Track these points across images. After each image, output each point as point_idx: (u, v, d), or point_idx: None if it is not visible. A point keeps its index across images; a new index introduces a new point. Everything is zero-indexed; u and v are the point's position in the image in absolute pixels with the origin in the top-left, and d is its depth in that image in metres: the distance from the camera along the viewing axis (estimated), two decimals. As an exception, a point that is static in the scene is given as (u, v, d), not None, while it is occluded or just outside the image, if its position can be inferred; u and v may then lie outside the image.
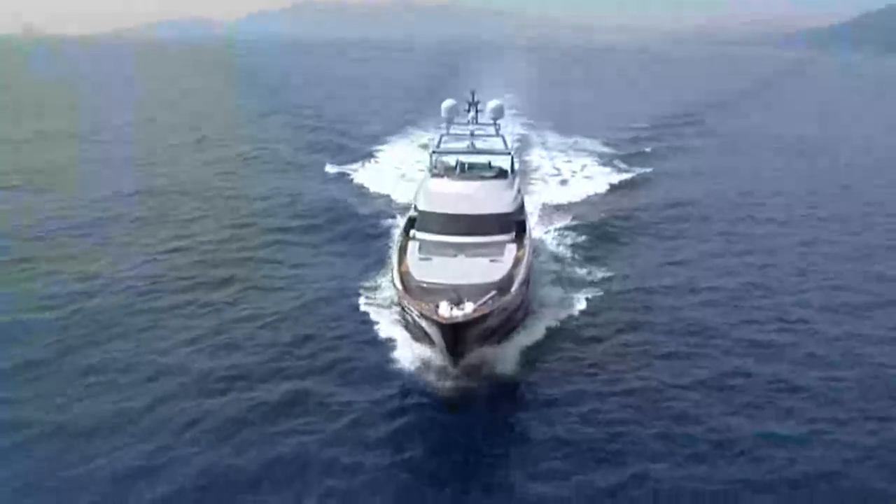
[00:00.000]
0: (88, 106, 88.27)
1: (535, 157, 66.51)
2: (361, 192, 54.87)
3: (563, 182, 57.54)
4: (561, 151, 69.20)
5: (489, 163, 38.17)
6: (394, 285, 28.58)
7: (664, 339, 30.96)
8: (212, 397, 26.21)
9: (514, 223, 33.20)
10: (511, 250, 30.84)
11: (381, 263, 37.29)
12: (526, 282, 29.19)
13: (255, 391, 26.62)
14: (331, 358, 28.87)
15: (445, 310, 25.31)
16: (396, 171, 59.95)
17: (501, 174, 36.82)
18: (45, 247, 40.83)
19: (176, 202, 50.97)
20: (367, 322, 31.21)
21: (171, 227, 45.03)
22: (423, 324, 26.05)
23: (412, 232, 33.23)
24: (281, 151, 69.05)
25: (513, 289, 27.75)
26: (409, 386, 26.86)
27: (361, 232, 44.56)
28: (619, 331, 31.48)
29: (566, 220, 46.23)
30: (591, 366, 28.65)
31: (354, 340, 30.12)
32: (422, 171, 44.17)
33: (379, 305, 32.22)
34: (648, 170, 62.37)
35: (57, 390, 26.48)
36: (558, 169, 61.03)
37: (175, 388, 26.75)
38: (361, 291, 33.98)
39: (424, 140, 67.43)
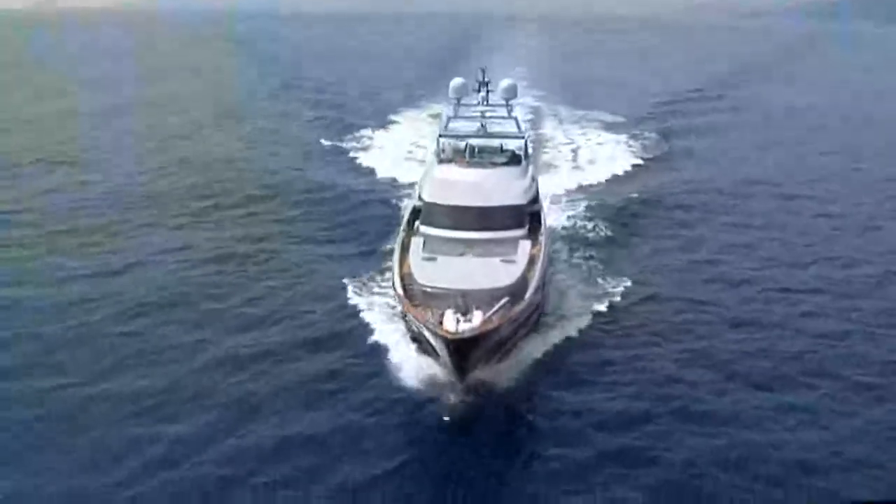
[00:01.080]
0: (89, 84, 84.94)
1: (549, 131, 63.24)
2: (364, 170, 52.15)
3: (579, 162, 54.23)
4: (575, 125, 65.71)
5: (501, 146, 35.14)
6: (394, 290, 25.73)
7: (691, 347, 28.07)
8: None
9: (527, 215, 30.27)
10: (525, 248, 27.92)
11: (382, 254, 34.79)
12: (541, 285, 26.30)
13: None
14: (323, 368, 26.29)
15: (451, 322, 22.54)
16: (404, 147, 57.07)
17: (514, 159, 33.78)
18: (61, 223, 40.61)
19: (185, 180, 48.88)
20: (365, 326, 28.49)
21: (182, 207, 43.60)
22: (427, 335, 23.27)
23: (416, 224, 30.41)
24: (287, 128, 65.68)
25: (527, 295, 24.90)
26: (411, 402, 24.20)
27: (365, 215, 41.99)
28: (643, 336, 28.76)
29: (583, 204, 43.39)
30: (610, 379, 25.91)
31: (351, 348, 27.45)
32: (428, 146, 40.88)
33: (379, 306, 29.49)
34: (668, 147, 58.85)
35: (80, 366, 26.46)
36: (573, 149, 57.67)
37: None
38: (360, 288, 31.32)
39: (436, 111, 64.15)
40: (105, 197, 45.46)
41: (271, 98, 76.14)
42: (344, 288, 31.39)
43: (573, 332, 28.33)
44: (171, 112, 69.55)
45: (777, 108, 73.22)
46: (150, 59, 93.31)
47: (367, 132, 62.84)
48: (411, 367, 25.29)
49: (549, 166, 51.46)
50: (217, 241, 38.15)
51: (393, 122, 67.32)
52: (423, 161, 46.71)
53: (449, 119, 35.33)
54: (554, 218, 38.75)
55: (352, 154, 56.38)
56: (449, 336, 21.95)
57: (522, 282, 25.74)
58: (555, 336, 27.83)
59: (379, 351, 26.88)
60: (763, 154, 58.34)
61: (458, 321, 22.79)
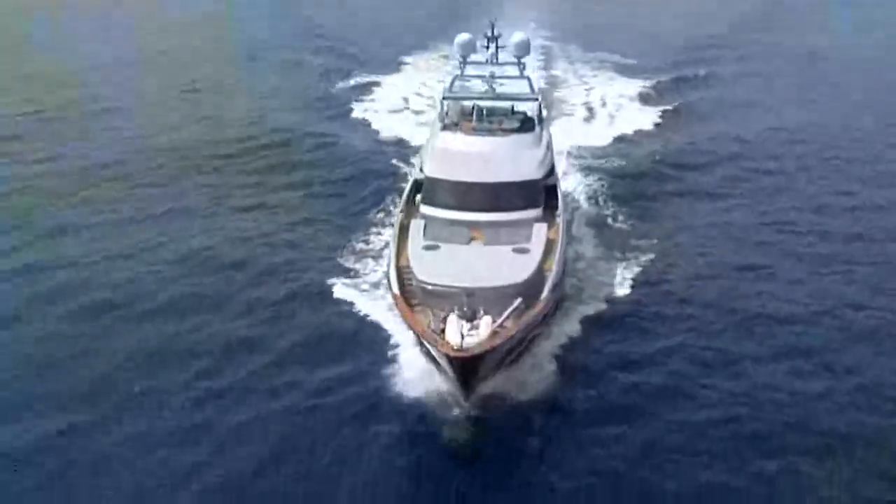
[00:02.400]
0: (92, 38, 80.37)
1: (560, 74, 59.27)
2: (368, 121, 48.73)
3: (593, 111, 50.31)
4: (588, 70, 61.31)
5: (512, 107, 31.56)
6: (390, 287, 22.50)
7: (725, 338, 25.15)
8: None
9: (543, 191, 26.88)
10: (541, 233, 24.63)
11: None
12: (560, 280, 23.05)
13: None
14: (311, 371, 23.44)
15: (454, 333, 19.44)
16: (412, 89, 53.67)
17: (527, 124, 30.24)
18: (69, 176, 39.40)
19: (184, 136, 45.92)
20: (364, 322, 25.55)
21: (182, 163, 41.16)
22: (426, 344, 20.16)
23: (417, 201, 27.15)
24: (296, 78, 60.56)
25: (543, 294, 21.74)
26: (411, 417, 21.32)
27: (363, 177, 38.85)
28: (670, 329, 25.71)
29: (599, 165, 40.07)
30: (636, 382, 22.96)
31: (342, 344, 24.62)
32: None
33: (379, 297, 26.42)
34: (692, 98, 54.23)
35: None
36: (586, 96, 53.55)
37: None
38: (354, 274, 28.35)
39: (445, 52, 60.04)
40: (107, 151, 42.96)
41: (282, 48, 71.57)
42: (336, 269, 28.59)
43: (593, 322, 25.31)
44: (176, 66, 65.04)
45: (807, 55, 68.14)
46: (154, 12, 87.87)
47: (377, 77, 58.74)
48: (412, 371, 22.29)
49: (560, 115, 47.71)
50: (210, 206, 35.58)
51: (404, 65, 63.19)
52: (423, 124, 43.22)
53: (454, 79, 31.73)
54: (564, 176, 35.37)
55: (359, 102, 52.48)
56: (452, 354, 18.85)
57: (538, 276, 22.55)
58: (572, 327, 24.84)
59: (375, 348, 23.97)
60: (794, 104, 53.84)
61: (462, 330, 19.72)
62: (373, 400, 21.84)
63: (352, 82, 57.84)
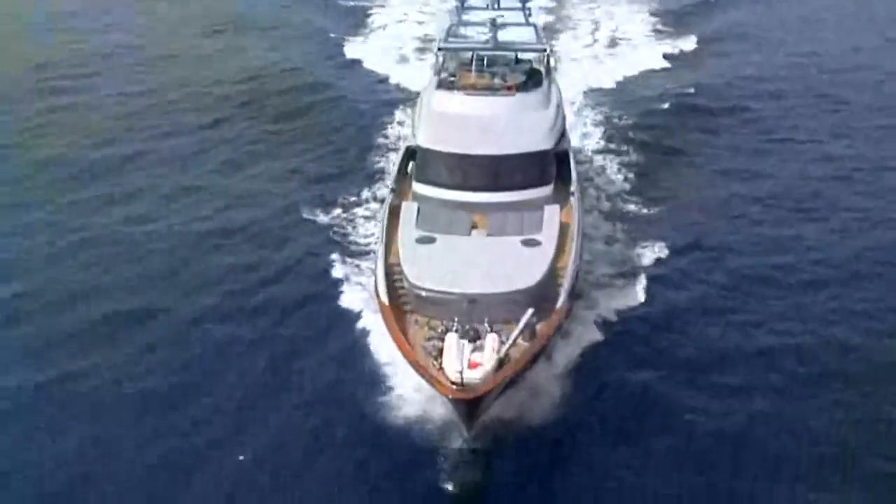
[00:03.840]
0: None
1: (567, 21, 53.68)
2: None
3: (600, 53, 45.13)
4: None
5: (516, 56, 27.72)
6: (377, 293, 19.06)
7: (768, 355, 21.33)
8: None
9: (554, 163, 23.31)
10: (553, 217, 21.12)
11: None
12: (576, 280, 19.65)
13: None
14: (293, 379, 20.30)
15: (454, 360, 16.11)
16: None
17: (533, 78, 26.45)
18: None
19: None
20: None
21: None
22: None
23: (410, 172, 23.67)
24: (294, 26, 53.84)
25: (559, 301, 18.35)
26: (405, 444, 18.08)
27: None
28: (697, 332, 22.09)
29: (606, 115, 35.96)
30: (661, 394, 19.69)
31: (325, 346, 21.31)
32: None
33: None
34: (712, 28, 49.24)
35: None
36: (593, 30, 48.85)
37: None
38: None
39: None
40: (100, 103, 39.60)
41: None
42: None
43: (611, 325, 21.74)
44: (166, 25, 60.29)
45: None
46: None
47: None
48: (406, 389, 19.03)
49: (565, 56, 43.12)
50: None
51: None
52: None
53: (451, 27, 27.83)
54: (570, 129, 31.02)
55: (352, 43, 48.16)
56: (452, 396, 15.62)
57: (551, 277, 19.17)
58: (588, 330, 21.30)
59: (361, 354, 20.71)
60: (832, 29, 49.04)
61: (464, 353, 16.43)
62: (359, 426, 18.67)
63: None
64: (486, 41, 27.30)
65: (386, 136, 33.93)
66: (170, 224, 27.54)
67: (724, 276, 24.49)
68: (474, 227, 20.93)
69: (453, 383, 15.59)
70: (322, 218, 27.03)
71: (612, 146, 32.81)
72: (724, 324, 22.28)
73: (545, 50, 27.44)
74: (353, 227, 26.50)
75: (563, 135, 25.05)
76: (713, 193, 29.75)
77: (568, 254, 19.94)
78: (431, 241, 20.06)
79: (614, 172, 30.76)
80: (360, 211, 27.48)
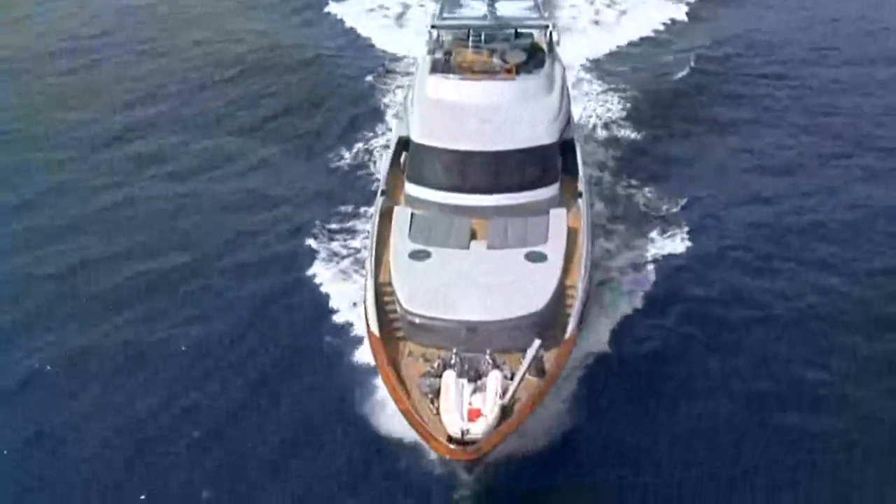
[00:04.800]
0: None
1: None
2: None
3: (599, 18, 41.51)
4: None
5: (515, 31, 25.54)
6: (366, 321, 17.20)
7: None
8: None
9: (559, 157, 21.33)
10: (559, 223, 19.23)
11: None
12: (586, 303, 17.81)
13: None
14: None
15: (451, 411, 14.45)
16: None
17: (535, 57, 24.37)
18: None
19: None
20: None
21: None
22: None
23: (403, 162, 21.73)
24: None
25: (569, 328, 16.56)
26: (400, 480, 16.53)
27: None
28: (722, 341, 20.40)
29: (609, 87, 33.64)
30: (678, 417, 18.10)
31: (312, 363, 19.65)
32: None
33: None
34: None
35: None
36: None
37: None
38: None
39: None
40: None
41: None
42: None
43: (617, 337, 20.02)
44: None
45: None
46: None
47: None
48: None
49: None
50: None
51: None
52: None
53: (445, 2, 25.55)
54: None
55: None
56: (451, 455, 13.93)
57: (559, 298, 17.31)
58: (595, 341, 19.43)
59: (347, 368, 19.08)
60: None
61: (464, 395, 14.75)
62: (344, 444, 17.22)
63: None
64: (483, 16, 25.11)
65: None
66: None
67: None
68: (473, 236, 19.00)
69: (451, 439, 13.90)
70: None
71: (615, 117, 30.89)
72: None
73: (547, 26, 25.25)
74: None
75: (568, 122, 23.01)
76: (723, 163, 28.35)
77: (577, 268, 18.10)
78: (426, 255, 18.16)
79: (613, 151, 28.85)
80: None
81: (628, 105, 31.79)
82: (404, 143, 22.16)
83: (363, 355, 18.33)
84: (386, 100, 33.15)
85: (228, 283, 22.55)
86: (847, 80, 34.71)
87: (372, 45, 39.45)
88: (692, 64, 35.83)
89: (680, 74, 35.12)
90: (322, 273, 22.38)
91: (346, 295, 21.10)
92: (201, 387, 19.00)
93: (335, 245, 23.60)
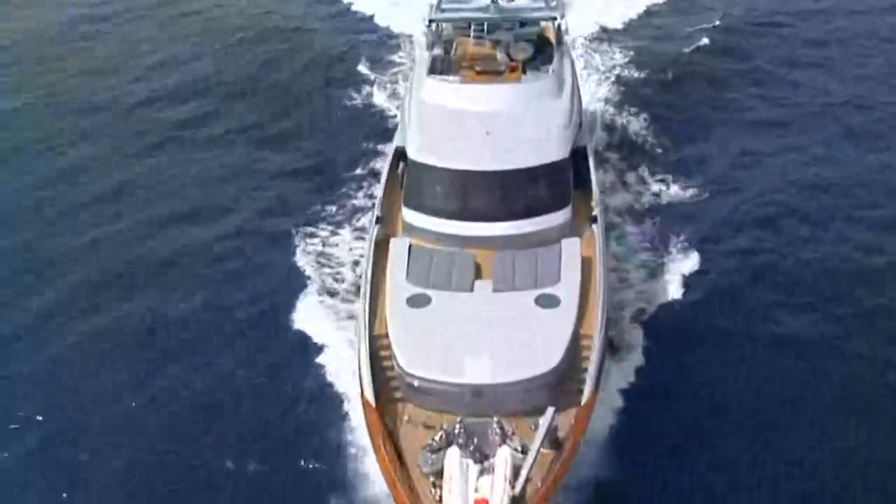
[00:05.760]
0: None
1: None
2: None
3: None
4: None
5: (520, 22, 23.35)
6: (360, 384, 15.33)
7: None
8: None
9: (571, 174, 19.30)
10: (573, 256, 17.18)
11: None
12: (604, 354, 15.93)
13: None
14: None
15: (457, 494, 12.69)
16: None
17: (542, 51, 22.30)
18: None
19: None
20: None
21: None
22: None
23: (400, 172, 19.81)
24: None
25: (586, 390, 14.68)
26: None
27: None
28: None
29: (615, 68, 31.75)
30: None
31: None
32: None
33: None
34: None
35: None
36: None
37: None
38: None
39: None
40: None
41: None
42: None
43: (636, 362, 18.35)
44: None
45: None
46: None
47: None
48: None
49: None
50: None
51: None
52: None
53: None
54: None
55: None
56: None
57: (574, 350, 15.40)
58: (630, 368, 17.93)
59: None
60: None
61: (469, 477, 13.01)
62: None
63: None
64: (486, 7, 22.91)
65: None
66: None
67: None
68: (478, 273, 17.07)
69: None
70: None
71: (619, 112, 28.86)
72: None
73: (555, 18, 23.04)
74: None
75: (579, 128, 20.93)
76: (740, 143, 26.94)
77: (593, 311, 16.17)
78: (426, 301, 16.22)
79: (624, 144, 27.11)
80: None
81: (630, 105, 29.52)
82: (402, 154, 20.18)
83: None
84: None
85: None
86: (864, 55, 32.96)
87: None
88: (704, 39, 34.28)
89: (690, 52, 33.45)
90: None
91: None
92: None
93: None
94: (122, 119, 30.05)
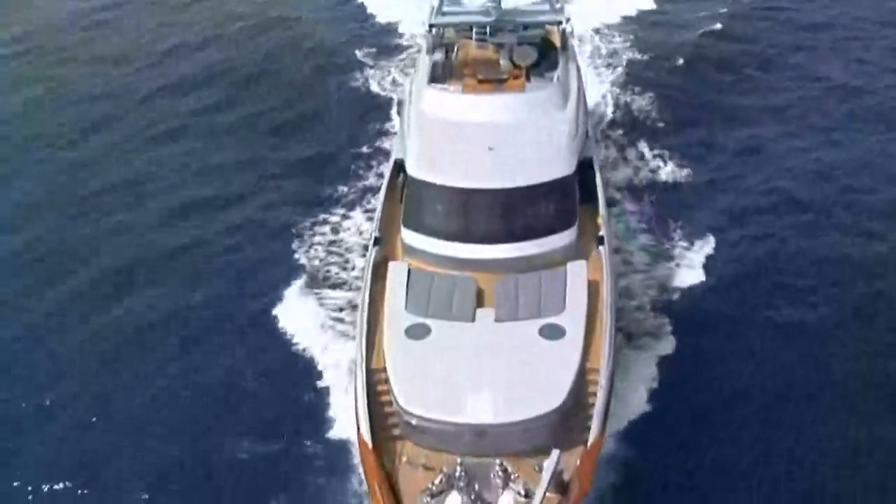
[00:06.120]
0: None
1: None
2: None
3: None
4: None
5: (524, 25, 22.66)
6: (356, 422, 14.87)
7: None
8: None
9: (577, 190, 18.70)
10: (579, 281, 16.50)
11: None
12: (611, 391, 15.45)
13: None
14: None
15: None
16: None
17: (547, 56, 21.65)
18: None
19: None
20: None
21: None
22: None
23: (399, 184, 19.24)
24: None
25: (593, 430, 14.18)
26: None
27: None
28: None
29: (621, 52, 31.43)
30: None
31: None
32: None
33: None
34: None
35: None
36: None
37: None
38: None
39: None
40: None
41: None
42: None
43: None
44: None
45: None
46: None
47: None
48: None
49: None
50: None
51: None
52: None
53: None
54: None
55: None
56: None
57: (580, 385, 14.90)
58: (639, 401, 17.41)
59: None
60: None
61: None
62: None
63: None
64: (488, 11, 22.20)
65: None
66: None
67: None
68: (479, 300, 16.54)
69: None
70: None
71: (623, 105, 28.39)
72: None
73: (560, 22, 22.33)
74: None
75: (585, 139, 20.28)
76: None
77: (600, 342, 15.60)
78: (425, 332, 15.67)
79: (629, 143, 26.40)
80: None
81: (635, 99, 28.98)
82: (401, 166, 19.60)
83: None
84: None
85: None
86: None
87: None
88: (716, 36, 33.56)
89: (701, 49, 32.65)
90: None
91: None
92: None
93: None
94: (125, 110, 30.02)
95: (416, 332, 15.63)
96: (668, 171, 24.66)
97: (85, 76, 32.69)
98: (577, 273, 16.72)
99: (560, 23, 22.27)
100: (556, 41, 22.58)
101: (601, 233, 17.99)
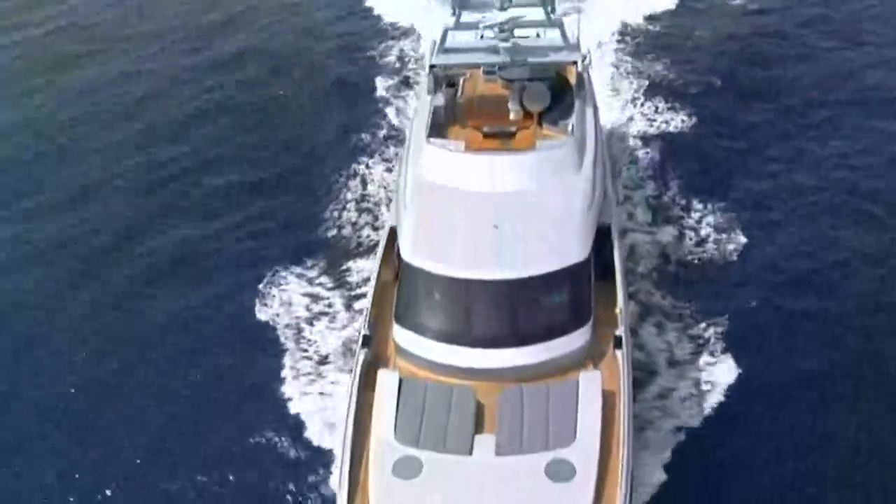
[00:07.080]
0: None
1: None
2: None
3: None
4: None
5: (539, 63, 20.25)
6: None
7: None
8: None
9: (591, 279, 16.50)
10: (592, 400, 14.21)
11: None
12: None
13: None
14: None
15: None
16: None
17: (562, 99, 19.37)
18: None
19: None
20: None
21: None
22: None
23: (393, 259, 17.23)
24: None
25: None
26: None
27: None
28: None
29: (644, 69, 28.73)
30: None
31: None
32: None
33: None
34: None
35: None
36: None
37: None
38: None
39: None
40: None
41: None
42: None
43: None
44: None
45: None
46: None
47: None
48: None
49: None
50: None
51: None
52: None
53: (445, 33, 20.13)
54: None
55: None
56: None
57: None
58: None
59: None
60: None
61: None
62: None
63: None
64: (496, 48, 19.74)
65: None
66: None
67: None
68: (478, 426, 14.51)
69: None
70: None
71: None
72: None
73: (576, 62, 19.88)
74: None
75: (603, 198, 18.04)
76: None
77: (614, 482, 13.58)
78: (416, 470, 13.64)
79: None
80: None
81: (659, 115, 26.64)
82: (394, 237, 17.50)
83: None
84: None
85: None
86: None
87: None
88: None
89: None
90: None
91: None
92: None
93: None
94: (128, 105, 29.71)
95: (405, 471, 13.62)
96: (674, 121, 25.57)
97: (97, 65, 32.40)
98: (590, 389, 14.56)
99: (575, 62, 19.80)
100: (571, 78, 20.17)
101: (619, 331, 15.81)
